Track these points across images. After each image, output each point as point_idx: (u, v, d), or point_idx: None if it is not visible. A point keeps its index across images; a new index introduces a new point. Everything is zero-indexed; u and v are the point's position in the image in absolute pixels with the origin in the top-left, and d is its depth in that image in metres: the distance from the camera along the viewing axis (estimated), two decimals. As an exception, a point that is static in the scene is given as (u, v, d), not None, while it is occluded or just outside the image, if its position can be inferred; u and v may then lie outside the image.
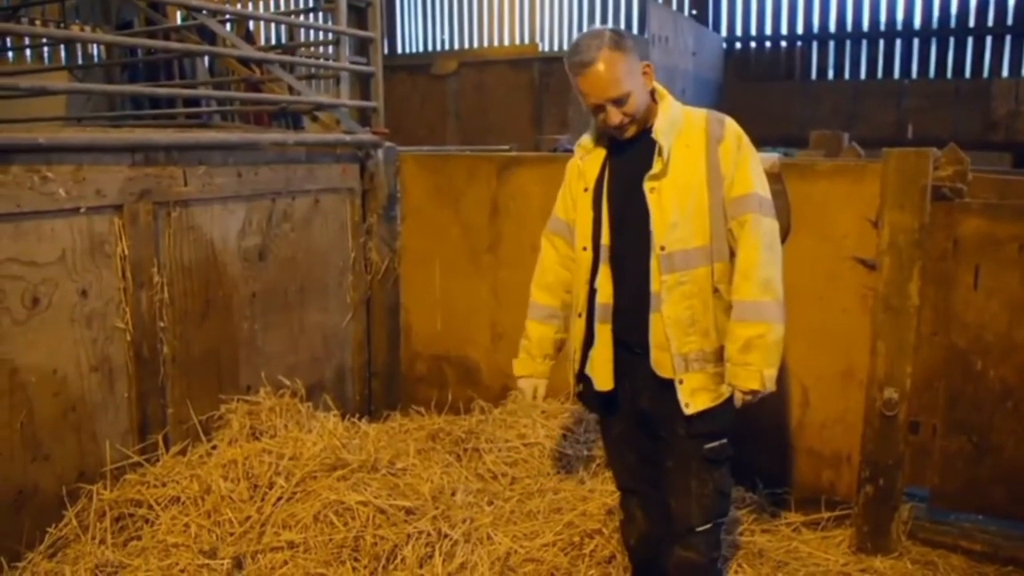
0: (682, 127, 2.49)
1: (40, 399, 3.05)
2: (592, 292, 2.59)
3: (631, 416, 2.65)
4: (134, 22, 7.05)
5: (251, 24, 6.27)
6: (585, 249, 2.62)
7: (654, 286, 2.46)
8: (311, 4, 6.91)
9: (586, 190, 2.63)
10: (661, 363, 2.50)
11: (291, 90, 4.61)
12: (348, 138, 4.35)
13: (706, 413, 2.49)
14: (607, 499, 3.21)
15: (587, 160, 2.65)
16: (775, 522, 3.72)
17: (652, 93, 2.55)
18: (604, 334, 2.57)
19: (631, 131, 2.52)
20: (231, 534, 3.04)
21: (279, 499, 3.12)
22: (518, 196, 4.45)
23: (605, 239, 2.55)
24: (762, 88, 10.92)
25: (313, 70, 5.60)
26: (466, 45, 13.49)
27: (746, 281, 2.41)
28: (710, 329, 2.48)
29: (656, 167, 2.45)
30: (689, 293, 2.45)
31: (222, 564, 2.85)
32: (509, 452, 3.67)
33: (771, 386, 2.42)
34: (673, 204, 2.44)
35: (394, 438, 4.10)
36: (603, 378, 2.59)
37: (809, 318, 3.64)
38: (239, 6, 6.72)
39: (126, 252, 3.27)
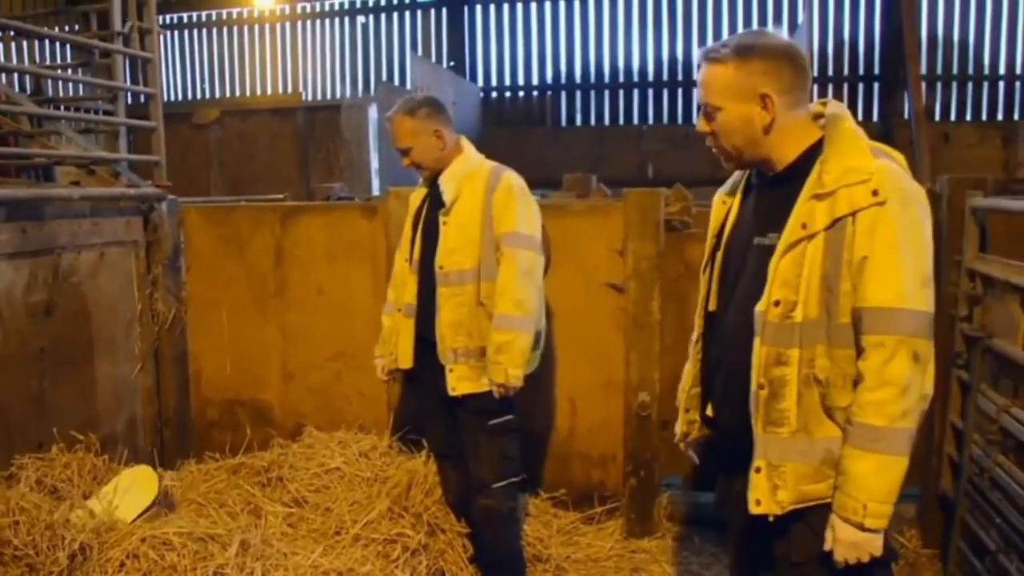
0: (472, 176, 3.20)
1: None
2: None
3: (435, 395, 3.31)
4: None
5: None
6: (406, 260, 3.41)
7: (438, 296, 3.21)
8: (69, 59, 6.69)
9: (411, 216, 3.45)
10: (442, 355, 3.22)
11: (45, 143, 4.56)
12: (132, 192, 4.41)
13: (477, 396, 3.19)
14: (404, 511, 3.53)
15: (416, 193, 3.48)
16: (558, 522, 4.19)
17: (455, 146, 3.30)
18: (407, 326, 3.37)
19: (424, 172, 3.36)
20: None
21: (81, 549, 3.10)
22: (302, 242, 4.70)
23: (416, 254, 3.34)
24: (517, 134, 11.70)
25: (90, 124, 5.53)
26: (227, 94, 13.43)
27: (502, 299, 3.11)
28: (474, 332, 3.18)
29: (445, 206, 3.21)
30: (460, 303, 3.19)
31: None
32: (312, 480, 3.88)
33: (516, 382, 3.11)
34: (453, 234, 3.16)
35: (194, 481, 4.18)
36: (404, 358, 3.40)
37: (573, 337, 4.18)
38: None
39: (-89, 312, 3.23)
